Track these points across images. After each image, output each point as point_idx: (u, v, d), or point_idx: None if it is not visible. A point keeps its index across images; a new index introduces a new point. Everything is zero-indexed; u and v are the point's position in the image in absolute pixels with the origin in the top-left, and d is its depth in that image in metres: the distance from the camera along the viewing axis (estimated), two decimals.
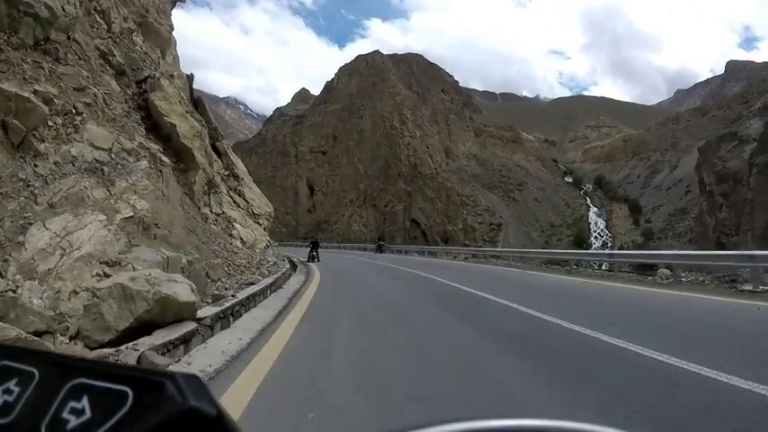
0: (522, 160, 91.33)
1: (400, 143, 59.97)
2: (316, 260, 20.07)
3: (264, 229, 16.58)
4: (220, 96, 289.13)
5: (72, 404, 0.31)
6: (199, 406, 0.29)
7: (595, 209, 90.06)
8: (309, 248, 21.53)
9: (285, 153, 69.22)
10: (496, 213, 63.69)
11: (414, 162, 58.33)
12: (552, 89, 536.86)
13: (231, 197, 14.62)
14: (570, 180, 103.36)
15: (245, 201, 15.90)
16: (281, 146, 70.63)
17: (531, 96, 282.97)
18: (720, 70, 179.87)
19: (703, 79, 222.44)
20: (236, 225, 13.18)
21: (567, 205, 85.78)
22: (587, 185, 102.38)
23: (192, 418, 0.29)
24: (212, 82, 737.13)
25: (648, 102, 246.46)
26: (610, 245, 73.97)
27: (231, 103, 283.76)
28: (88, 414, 0.30)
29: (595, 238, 78.76)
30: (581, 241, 68.27)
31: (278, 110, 79.92)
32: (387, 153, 59.52)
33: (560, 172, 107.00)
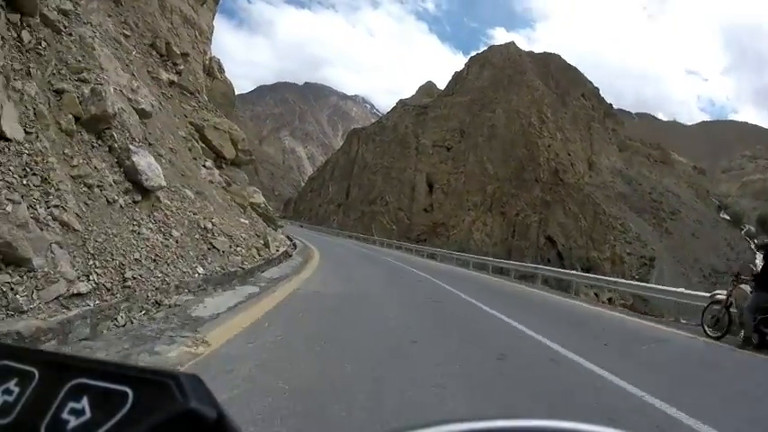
0: (672, 185, 76.55)
1: (539, 144, 50.98)
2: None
3: None
4: (348, 94, 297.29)
5: (72, 404, 0.30)
6: (199, 407, 0.28)
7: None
8: None
9: (405, 144, 63.43)
10: (648, 245, 51.85)
11: (554, 167, 49.05)
12: (691, 113, 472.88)
13: None
14: (727, 217, 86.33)
15: None
16: (401, 136, 65.06)
17: (666, 119, 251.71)
18: None
19: None
20: None
21: (729, 247, 69.70)
22: (747, 226, 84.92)
23: (192, 420, 0.28)
24: (340, 80, 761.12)
25: None
26: None
27: (358, 101, 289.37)
28: (88, 414, 0.30)
29: None
30: None
31: (401, 101, 74.48)
32: (522, 154, 50.94)
33: (715, 205, 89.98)
